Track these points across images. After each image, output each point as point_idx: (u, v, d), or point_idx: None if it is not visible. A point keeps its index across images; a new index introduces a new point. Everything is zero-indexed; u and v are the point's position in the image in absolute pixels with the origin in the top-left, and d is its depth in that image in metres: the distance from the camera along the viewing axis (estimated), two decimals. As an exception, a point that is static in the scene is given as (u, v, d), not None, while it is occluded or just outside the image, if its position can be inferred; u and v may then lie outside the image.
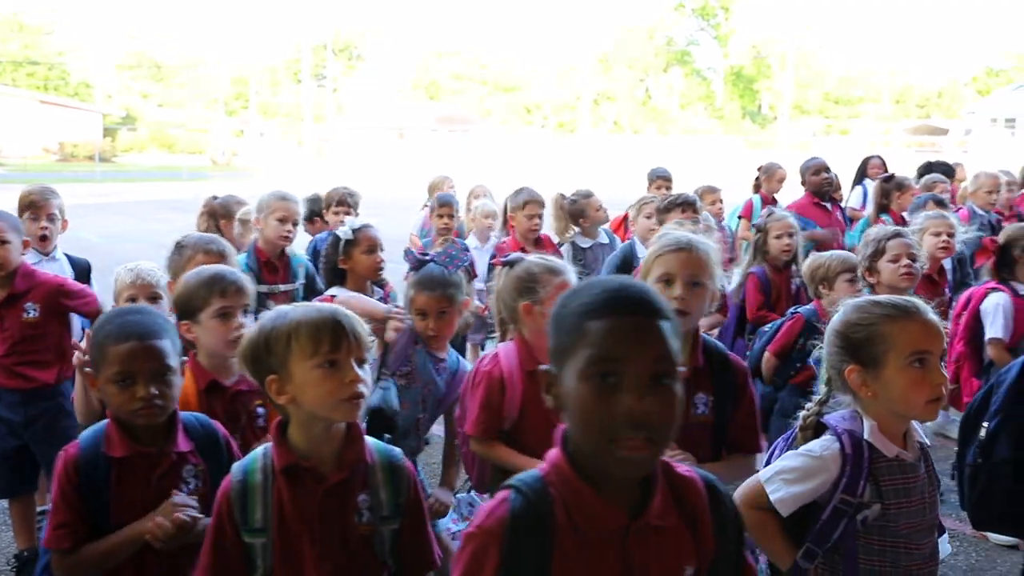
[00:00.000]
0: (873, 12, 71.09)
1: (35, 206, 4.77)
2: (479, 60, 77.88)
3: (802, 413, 2.60)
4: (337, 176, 22.31)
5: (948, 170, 9.42)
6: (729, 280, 5.57)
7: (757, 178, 8.71)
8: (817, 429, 2.53)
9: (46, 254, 4.77)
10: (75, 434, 2.58)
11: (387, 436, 2.47)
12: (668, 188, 7.87)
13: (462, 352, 5.77)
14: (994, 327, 4.75)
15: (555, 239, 6.44)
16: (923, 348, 2.36)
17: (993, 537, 4.68)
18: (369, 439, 2.28)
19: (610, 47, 73.56)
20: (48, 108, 49.93)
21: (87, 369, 2.55)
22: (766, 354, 4.76)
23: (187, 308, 2.99)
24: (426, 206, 8.30)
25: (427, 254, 3.89)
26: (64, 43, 66.22)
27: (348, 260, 4.26)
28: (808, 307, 4.71)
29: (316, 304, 2.32)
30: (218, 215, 5.86)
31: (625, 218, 7.03)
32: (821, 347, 2.61)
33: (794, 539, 2.45)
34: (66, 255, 4.92)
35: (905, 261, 4.29)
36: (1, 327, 4.17)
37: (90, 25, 67.01)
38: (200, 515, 2.36)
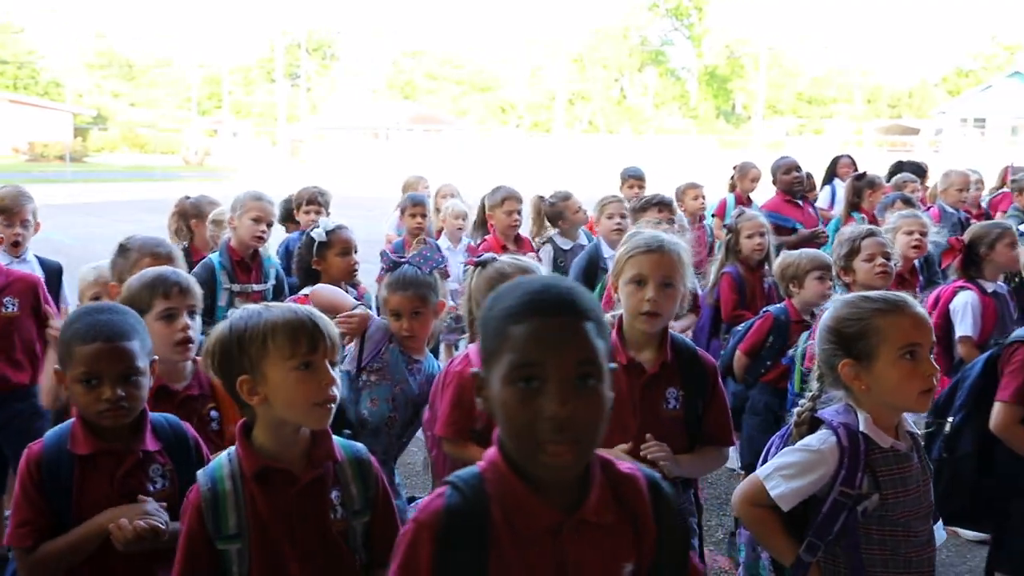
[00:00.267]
0: (845, 12, 71.66)
1: (8, 212, 4.71)
2: (453, 60, 77.77)
3: (796, 409, 2.66)
4: (311, 176, 22.20)
5: (918, 169, 9.52)
6: (704, 280, 5.60)
7: (731, 177, 8.76)
8: (811, 425, 2.58)
9: (17, 256, 4.72)
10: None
11: (346, 432, 2.47)
12: (641, 187, 7.89)
13: (435, 352, 5.76)
14: (963, 325, 4.80)
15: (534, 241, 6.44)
16: (914, 341, 2.43)
17: (963, 532, 4.73)
18: (334, 437, 2.28)
19: (584, 47, 73.67)
20: (18, 108, 49.41)
21: (56, 367, 2.52)
22: (737, 352, 4.80)
23: None
24: (400, 207, 8.32)
25: (402, 256, 3.89)
26: (34, 42, 65.50)
27: (322, 262, 4.24)
28: (778, 306, 4.75)
29: (290, 305, 2.30)
30: (189, 215, 5.82)
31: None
32: (809, 343, 2.65)
33: (793, 534, 2.50)
34: (37, 257, 4.86)
35: (880, 260, 4.33)
36: None
37: (60, 24, 66.35)
38: (165, 526, 2.32)
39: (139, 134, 57.25)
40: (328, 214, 6.44)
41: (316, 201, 6.66)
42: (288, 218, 6.85)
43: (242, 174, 35.89)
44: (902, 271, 5.10)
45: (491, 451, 1.63)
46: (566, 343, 1.50)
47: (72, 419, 2.50)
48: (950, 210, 7.82)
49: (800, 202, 7.91)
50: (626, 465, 1.71)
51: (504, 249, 5.92)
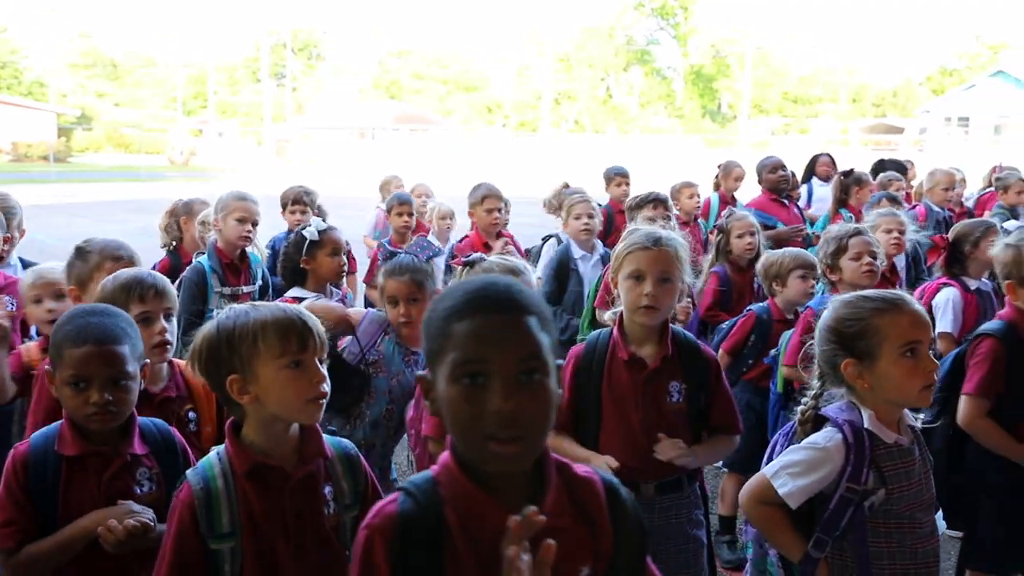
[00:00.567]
0: (831, 12, 71.98)
1: None
2: (440, 59, 77.72)
3: (799, 408, 2.70)
4: (298, 176, 22.14)
5: (900, 167, 9.57)
6: (696, 279, 5.61)
7: (715, 176, 8.79)
8: (816, 423, 2.62)
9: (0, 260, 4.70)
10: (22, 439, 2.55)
11: (330, 428, 2.48)
12: (627, 185, 7.94)
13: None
14: (943, 321, 4.84)
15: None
16: (914, 338, 2.48)
17: (943, 530, 4.75)
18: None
19: (571, 46, 73.73)
20: (1, 108, 49.04)
21: (47, 367, 2.52)
22: (720, 351, 4.82)
23: None
24: (379, 207, 8.38)
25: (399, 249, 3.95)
26: (17, 42, 65.11)
27: (312, 261, 4.24)
28: (761, 305, 4.76)
29: (278, 304, 2.31)
30: (179, 214, 5.81)
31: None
32: (810, 344, 2.68)
33: (800, 531, 2.53)
34: (20, 259, 4.83)
35: (867, 259, 4.34)
36: None
37: (44, 23, 65.96)
38: (154, 523, 2.32)
39: (124, 134, 56.98)
40: (315, 213, 6.43)
41: (302, 201, 6.66)
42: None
43: (228, 174, 35.76)
44: (883, 269, 5.13)
45: (444, 455, 1.63)
46: (509, 338, 1.51)
47: (60, 421, 2.49)
48: (936, 208, 7.87)
49: (786, 201, 7.95)
50: (583, 468, 1.71)
51: (486, 247, 5.94)
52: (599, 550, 1.64)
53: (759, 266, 4.89)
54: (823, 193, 9.07)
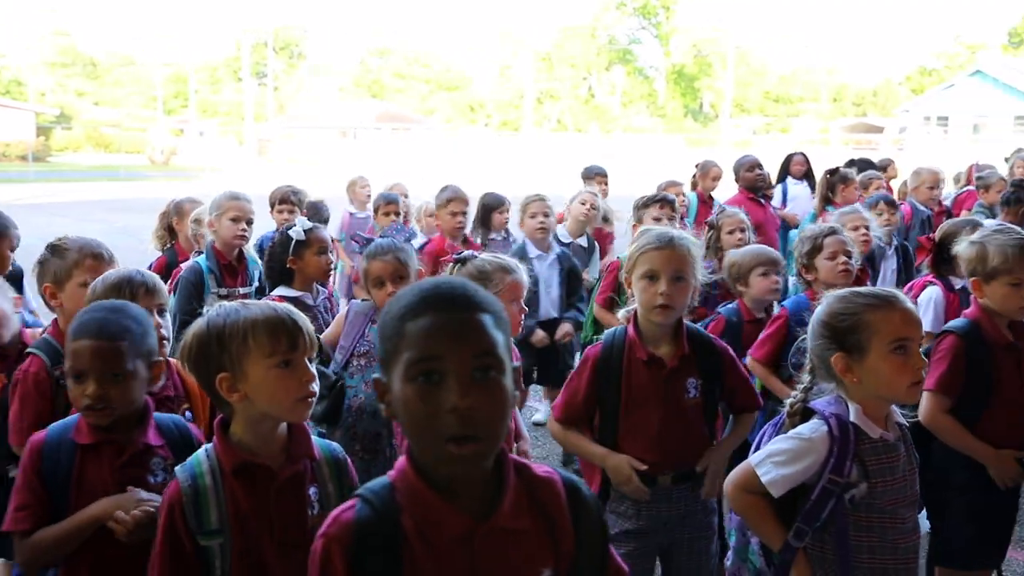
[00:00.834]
0: (811, 11, 72.37)
1: None
2: (421, 58, 77.63)
3: (788, 400, 2.75)
4: (279, 176, 22.06)
5: (870, 166, 9.63)
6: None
7: (693, 176, 8.84)
8: (804, 415, 2.66)
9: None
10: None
11: (318, 430, 2.49)
12: (605, 184, 8.02)
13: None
14: (924, 320, 4.87)
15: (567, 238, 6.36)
16: (904, 335, 2.52)
17: (925, 527, 4.79)
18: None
19: (552, 45, 73.80)
20: (-21, 107, 48.69)
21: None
22: None
23: None
24: (346, 209, 8.57)
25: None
26: (-6, 40, 64.61)
27: (299, 260, 4.24)
28: (730, 307, 4.71)
29: (268, 303, 2.31)
30: (169, 217, 5.83)
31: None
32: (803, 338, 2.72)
33: (783, 522, 2.57)
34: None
35: (842, 258, 4.36)
36: None
37: (21, 22, 65.45)
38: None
39: (103, 133, 56.60)
40: (304, 213, 6.44)
41: (289, 200, 6.67)
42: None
43: (209, 173, 35.60)
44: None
45: (401, 460, 1.62)
46: (463, 336, 1.50)
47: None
48: (921, 207, 7.92)
49: (762, 200, 8.01)
50: (543, 468, 1.69)
51: (452, 249, 5.92)
52: (560, 550, 1.62)
53: (724, 268, 4.85)
54: (797, 192, 9.17)
